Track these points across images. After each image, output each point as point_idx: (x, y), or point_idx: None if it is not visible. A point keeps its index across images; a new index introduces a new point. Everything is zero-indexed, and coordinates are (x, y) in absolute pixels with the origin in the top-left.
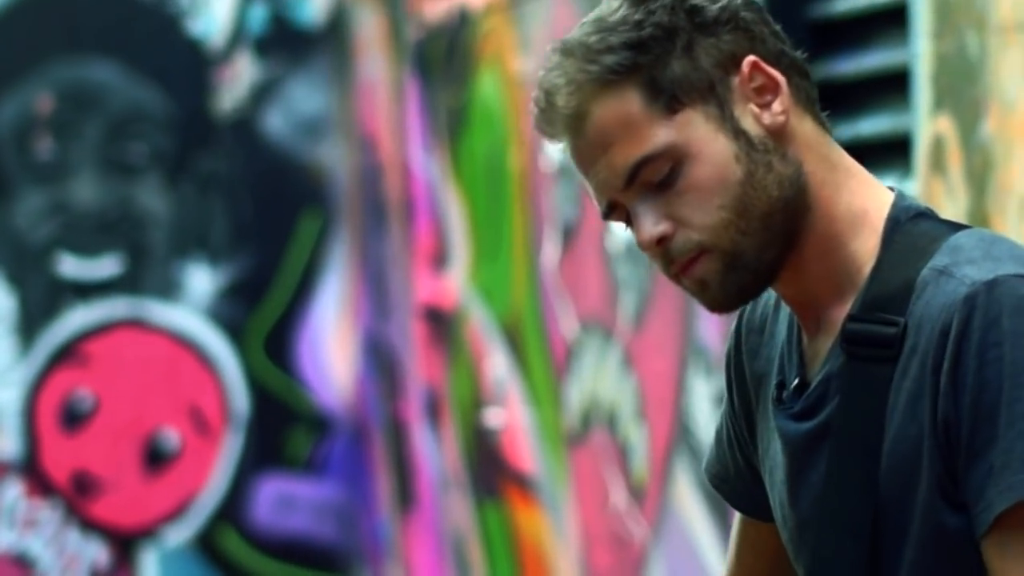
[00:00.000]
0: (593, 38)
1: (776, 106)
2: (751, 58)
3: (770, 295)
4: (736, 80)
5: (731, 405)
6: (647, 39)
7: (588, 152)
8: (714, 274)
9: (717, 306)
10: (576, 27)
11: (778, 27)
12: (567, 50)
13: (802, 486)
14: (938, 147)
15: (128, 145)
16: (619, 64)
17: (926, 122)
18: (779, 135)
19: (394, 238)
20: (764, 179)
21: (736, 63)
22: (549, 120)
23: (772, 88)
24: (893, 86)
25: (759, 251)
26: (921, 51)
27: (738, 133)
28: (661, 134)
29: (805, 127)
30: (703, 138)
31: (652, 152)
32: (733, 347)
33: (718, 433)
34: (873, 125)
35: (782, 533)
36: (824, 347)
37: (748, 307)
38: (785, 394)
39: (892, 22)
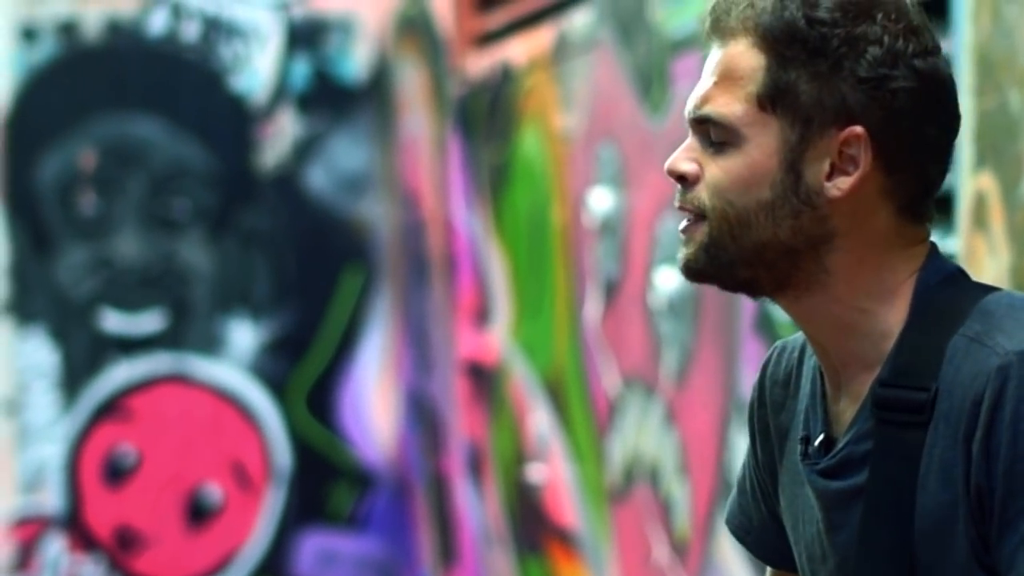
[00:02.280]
0: (794, 2)
1: (845, 182)
2: (860, 130)
3: (795, 348)
4: (834, 132)
5: (754, 457)
6: (817, 40)
7: (709, 64)
8: (695, 242)
9: (682, 266)
10: None
11: (949, 115)
12: None
13: (833, 545)
14: (980, 204)
15: (171, 201)
16: (782, 34)
17: (968, 179)
18: (830, 203)
19: (436, 294)
20: (782, 218)
21: (850, 121)
22: (715, 14)
23: (852, 168)
24: None
25: (736, 263)
26: (963, 108)
27: (793, 170)
28: (739, 111)
29: (875, 218)
30: (762, 145)
31: (718, 118)
32: (756, 399)
33: (740, 483)
34: None
35: None
36: (851, 408)
37: (772, 360)
38: (811, 449)
39: None
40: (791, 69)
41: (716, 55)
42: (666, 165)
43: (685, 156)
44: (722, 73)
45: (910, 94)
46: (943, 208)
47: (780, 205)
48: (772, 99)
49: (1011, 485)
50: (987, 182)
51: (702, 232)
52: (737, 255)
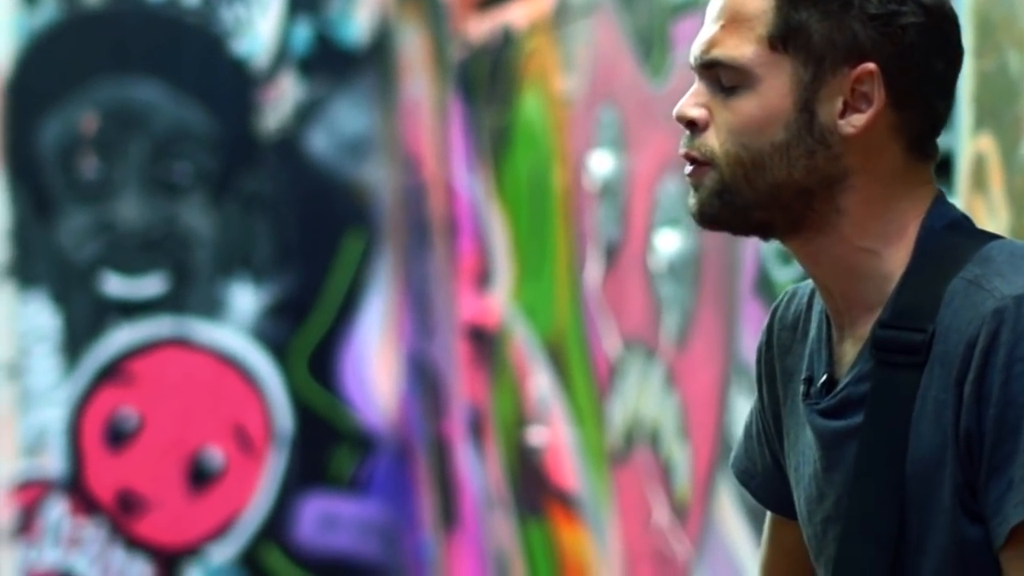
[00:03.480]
0: None
1: (859, 119)
2: (873, 66)
3: (804, 293)
4: (847, 70)
5: (760, 401)
6: None
7: (712, 9)
8: (706, 188)
9: (694, 214)
10: None
11: (954, 51)
12: None
13: (828, 484)
14: (979, 166)
15: (172, 165)
16: None
17: (968, 141)
18: (844, 140)
19: (437, 257)
20: (796, 158)
21: (861, 58)
22: None
23: (866, 104)
24: None
25: (751, 205)
26: (963, 70)
27: (807, 109)
28: (750, 53)
29: (886, 153)
30: (776, 86)
31: (729, 61)
32: (764, 343)
33: (747, 428)
34: None
35: (804, 529)
36: (853, 349)
37: (782, 304)
38: (813, 390)
39: None
40: (801, 8)
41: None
42: (675, 111)
43: (693, 102)
44: (730, 16)
45: (919, 29)
46: (943, 170)
47: (795, 145)
48: (784, 39)
49: (1001, 430)
50: (986, 144)
51: (711, 178)
52: (752, 198)
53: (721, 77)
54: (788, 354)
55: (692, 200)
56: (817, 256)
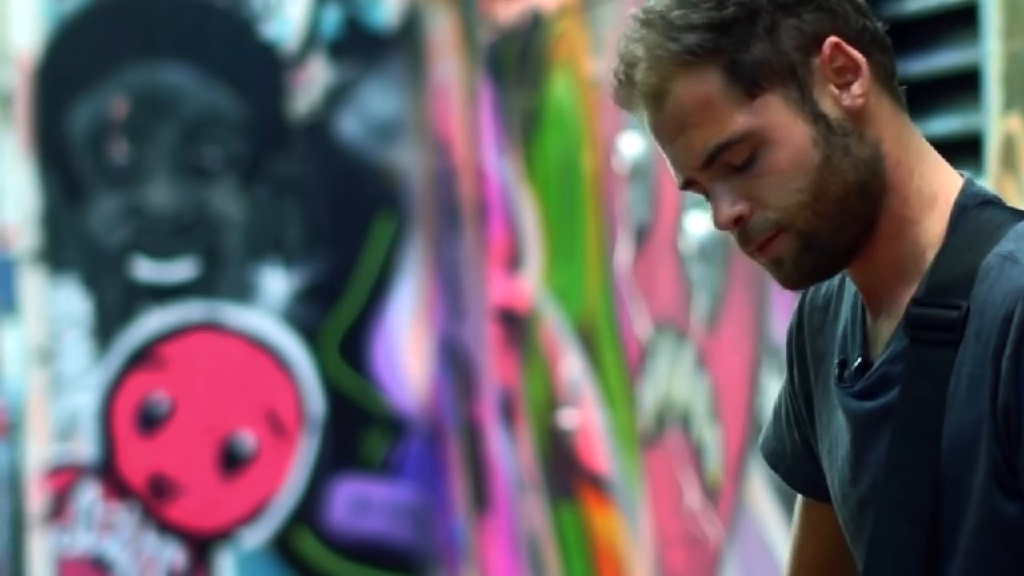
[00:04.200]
0: (675, 12)
1: (856, 88)
2: (833, 39)
3: (835, 275)
4: (817, 61)
5: (791, 383)
6: (729, 20)
7: (666, 129)
8: (790, 253)
9: (791, 284)
10: None
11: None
12: (648, 21)
13: (863, 465)
14: (1009, 146)
15: (203, 149)
16: (700, 45)
17: (997, 121)
18: (858, 116)
19: (468, 240)
20: (841, 163)
21: (818, 44)
22: (628, 94)
23: (853, 69)
24: (964, 85)
25: (835, 233)
26: (992, 50)
27: (817, 116)
28: (740, 119)
29: (883, 106)
30: (782, 123)
31: (731, 138)
32: (795, 325)
33: (776, 411)
34: (944, 124)
35: (840, 513)
36: (888, 329)
37: (813, 286)
38: (847, 373)
39: (962, 22)
40: (741, 51)
41: (663, 116)
42: (718, 224)
43: (727, 201)
44: (691, 114)
45: None
46: (972, 150)
47: (832, 153)
48: (754, 83)
49: None
50: (1016, 124)
51: (787, 241)
52: (833, 227)
53: (731, 160)
54: (819, 336)
55: (781, 275)
56: (874, 248)
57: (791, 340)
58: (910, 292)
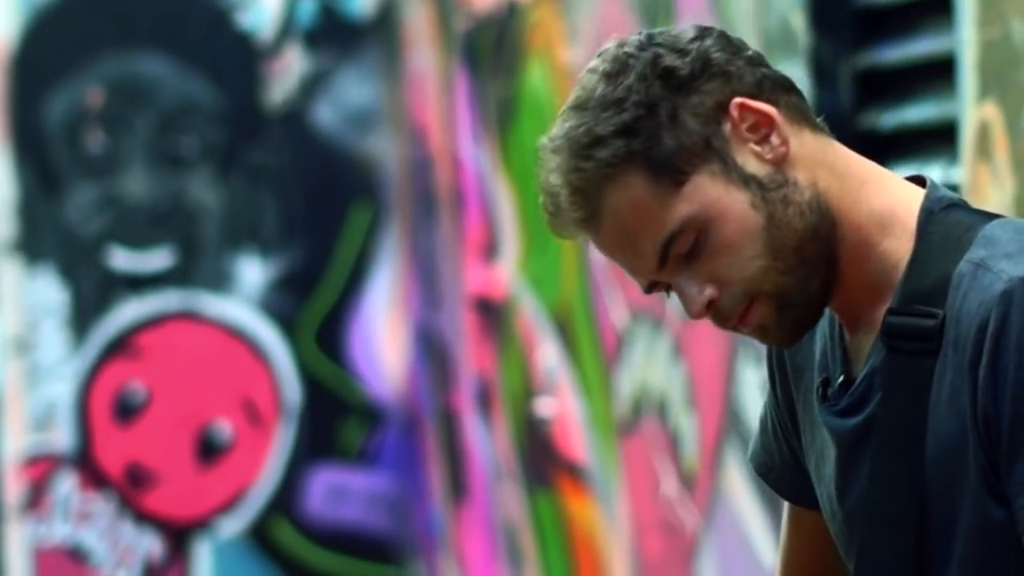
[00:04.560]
0: (580, 130)
1: (774, 138)
2: (736, 100)
3: None
4: (728, 128)
5: (774, 397)
6: (632, 121)
7: (611, 244)
8: (769, 317)
9: (781, 344)
10: (559, 115)
11: (749, 49)
12: (556, 148)
13: (850, 481)
14: (984, 134)
15: (179, 138)
16: (614, 155)
17: (972, 109)
18: (785, 164)
19: (444, 229)
20: (785, 215)
21: (723, 111)
22: (563, 224)
23: (765, 122)
24: (939, 73)
25: (804, 283)
26: (967, 38)
27: (747, 180)
28: (676, 210)
29: (806, 144)
30: (717, 198)
31: (673, 230)
32: None
33: (762, 422)
34: (919, 112)
35: (831, 527)
36: (867, 343)
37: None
38: (831, 391)
39: (937, 10)
40: (654, 146)
41: (603, 234)
42: (691, 314)
43: (693, 292)
44: (628, 223)
45: (717, 45)
46: (947, 138)
47: (773, 210)
48: (675, 174)
49: (1017, 412)
50: (991, 112)
51: (764, 307)
52: (800, 279)
53: (681, 251)
54: (797, 352)
55: (770, 339)
56: (842, 277)
57: (771, 355)
58: (885, 305)
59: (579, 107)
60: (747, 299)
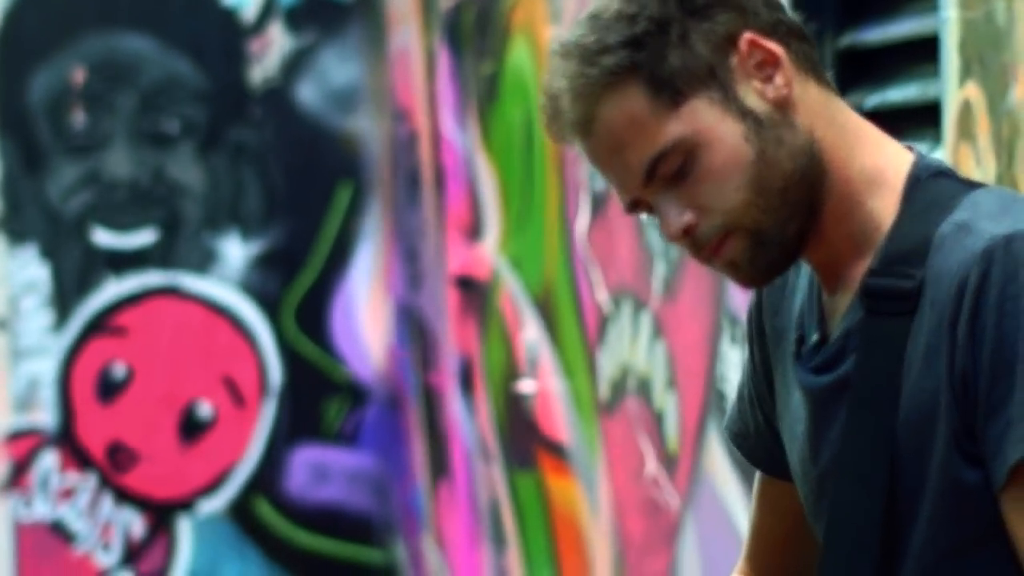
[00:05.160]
0: (590, 39)
1: (778, 79)
2: (747, 35)
3: None
4: (735, 60)
5: (752, 362)
6: (642, 35)
7: (601, 153)
8: (742, 253)
9: (750, 283)
10: (573, 24)
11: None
12: (566, 53)
13: (822, 440)
14: (966, 114)
15: (161, 117)
16: (618, 65)
17: (954, 89)
18: (785, 106)
19: (427, 208)
20: (776, 154)
21: (733, 43)
22: (559, 126)
23: (772, 61)
24: (921, 53)
25: (782, 225)
26: (949, 18)
27: (744, 113)
28: (669, 129)
29: (810, 93)
30: (711, 125)
31: (663, 149)
32: (755, 305)
33: (740, 390)
34: (901, 92)
35: (800, 489)
36: (844, 303)
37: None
38: (804, 349)
39: None
40: (658, 63)
41: (595, 142)
42: (668, 236)
43: (672, 214)
44: (621, 134)
45: None
46: (930, 118)
47: (765, 147)
48: (676, 91)
49: (996, 370)
50: (973, 92)
51: (738, 240)
52: (776, 220)
53: (667, 171)
54: (776, 315)
55: (739, 277)
56: (824, 229)
57: (751, 319)
58: (864, 265)
59: (594, 17)
60: (724, 231)
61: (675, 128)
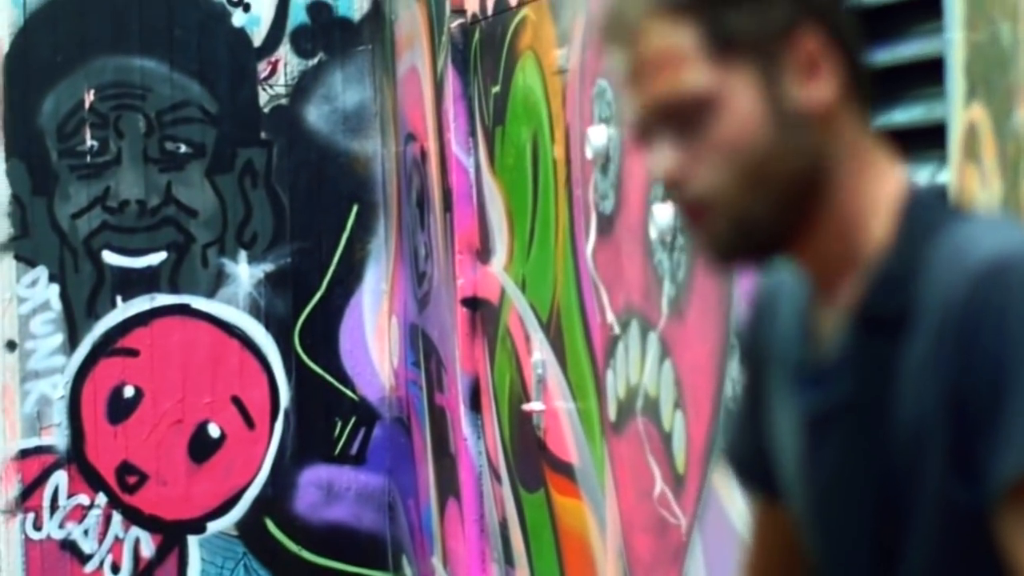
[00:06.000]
0: None
1: (823, 85)
2: (820, 32)
3: (783, 273)
4: (793, 50)
5: (747, 381)
6: None
7: (634, 69)
8: (717, 233)
9: (715, 262)
10: None
11: (857, 19)
12: None
13: (815, 461)
14: (972, 136)
15: (170, 138)
16: (689, 1)
17: (960, 111)
18: (816, 112)
19: (435, 229)
20: (785, 150)
21: (794, 28)
22: (611, 27)
23: (827, 67)
24: (927, 75)
25: (765, 217)
26: (955, 40)
27: (776, 99)
28: (703, 78)
29: (844, 111)
30: (740, 95)
31: (688, 94)
32: (748, 325)
33: (736, 411)
34: (907, 114)
35: (795, 509)
36: (836, 324)
37: (764, 285)
38: (796, 371)
39: (926, 11)
40: (724, 16)
41: (634, 54)
42: (653, 175)
43: (664, 157)
44: (659, 60)
45: None
46: (935, 140)
47: (778, 139)
48: (727, 49)
49: (989, 389)
50: (978, 114)
51: (717, 218)
52: (761, 211)
53: (682, 117)
54: (768, 335)
55: (708, 253)
56: (815, 243)
57: (744, 340)
58: (858, 287)
59: None
60: (701, 204)
61: (708, 79)
